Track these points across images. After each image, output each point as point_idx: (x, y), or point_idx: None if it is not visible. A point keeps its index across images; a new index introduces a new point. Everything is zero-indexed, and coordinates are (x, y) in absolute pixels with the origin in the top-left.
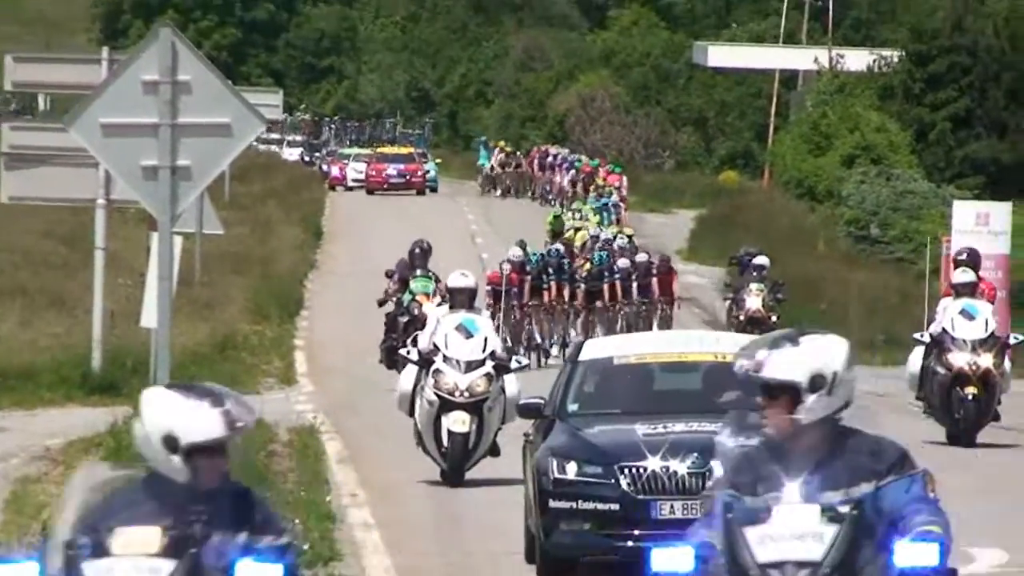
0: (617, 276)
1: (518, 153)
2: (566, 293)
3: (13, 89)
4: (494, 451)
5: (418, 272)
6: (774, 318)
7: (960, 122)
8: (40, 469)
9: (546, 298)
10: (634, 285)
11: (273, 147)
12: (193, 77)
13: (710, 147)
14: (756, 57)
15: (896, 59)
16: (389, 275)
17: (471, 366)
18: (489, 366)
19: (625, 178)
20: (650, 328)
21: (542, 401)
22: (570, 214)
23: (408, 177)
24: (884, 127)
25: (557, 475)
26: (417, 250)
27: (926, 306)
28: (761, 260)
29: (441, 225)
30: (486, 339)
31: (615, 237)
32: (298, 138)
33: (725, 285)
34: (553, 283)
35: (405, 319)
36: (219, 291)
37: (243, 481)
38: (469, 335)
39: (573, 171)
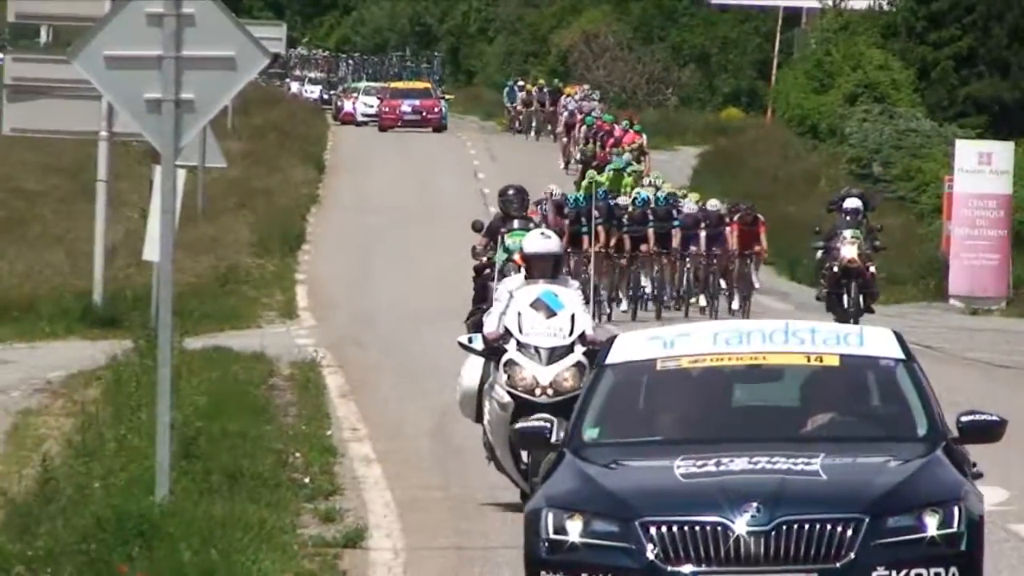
0: (676, 223)
1: (545, 90)
2: (613, 239)
3: (16, 20)
4: None
5: (515, 224)
6: (872, 269)
7: (963, 61)
8: (41, 402)
9: (585, 245)
10: (702, 235)
11: (295, 84)
12: (197, 10)
13: (713, 84)
14: None
15: None
16: (477, 228)
17: (555, 354)
18: (579, 353)
19: (644, 136)
20: (719, 284)
21: (548, 424)
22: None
23: (424, 114)
24: (887, 65)
25: (553, 535)
26: (511, 191)
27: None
28: (854, 203)
29: (443, 160)
30: (573, 317)
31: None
32: (318, 75)
33: (814, 233)
34: (602, 228)
35: None
36: (221, 225)
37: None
38: (551, 313)
39: (585, 127)
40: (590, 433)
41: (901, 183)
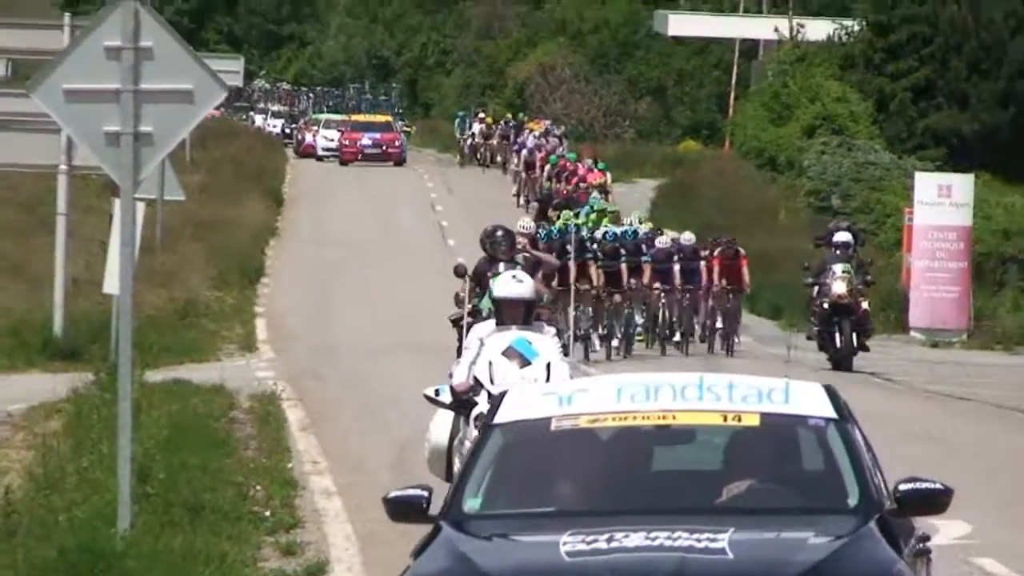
0: (646, 258)
1: (511, 124)
2: (593, 274)
3: None
4: None
5: (502, 268)
6: (864, 304)
7: (921, 92)
8: (1, 435)
9: (555, 282)
10: (676, 269)
11: (259, 117)
12: (156, 43)
13: (670, 116)
14: (717, 26)
15: (857, 28)
16: (460, 273)
17: None
18: None
19: (608, 175)
20: (692, 321)
21: (425, 493)
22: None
23: (384, 147)
24: (845, 97)
25: None
26: (499, 233)
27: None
28: (844, 236)
29: (400, 192)
30: (549, 366)
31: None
32: (281, 109)
33: (803, 269)
34: (573, 264)
35: None
36: (180, 258)
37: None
38: (525, 362)
39: (549, 166)
40: (472, 504)
41: (860, 216)
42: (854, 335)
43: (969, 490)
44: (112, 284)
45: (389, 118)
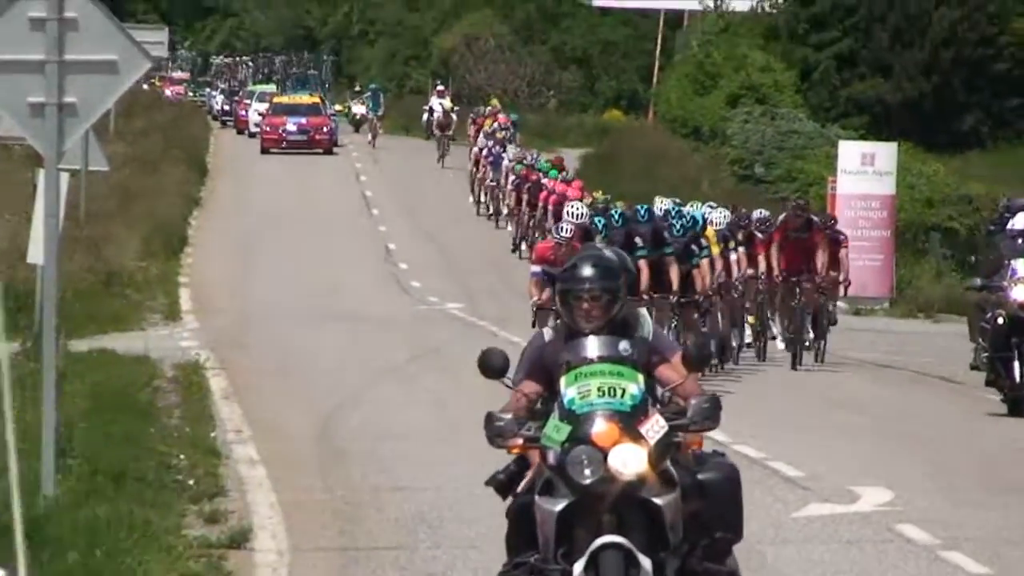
0: (668, 251)
1: (478, 111)
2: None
3: None
4: None
5: (590, 346)
6: None
7: (845, 62)
8: None
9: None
10: (728, 261)
11: (209, 92)
12: (80, 14)
13: (594, 88)
14: None
15: (781, 0)
16: (494, 367)
17: None
18: None
19: (582, 190)
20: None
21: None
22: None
23: (311, 133)
24: (769, 67)
25: None
26: (590, 270)
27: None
28: None
29: (325, 162)
30: None
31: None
32: (222, 84)
33: (970, 265)
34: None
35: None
36: (104, 228)
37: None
38: None
39: (513, 176)
40: None
41: (784, 184)
42: None
43: (891, 457)
44: (36, 254)
45: (317, 99)
